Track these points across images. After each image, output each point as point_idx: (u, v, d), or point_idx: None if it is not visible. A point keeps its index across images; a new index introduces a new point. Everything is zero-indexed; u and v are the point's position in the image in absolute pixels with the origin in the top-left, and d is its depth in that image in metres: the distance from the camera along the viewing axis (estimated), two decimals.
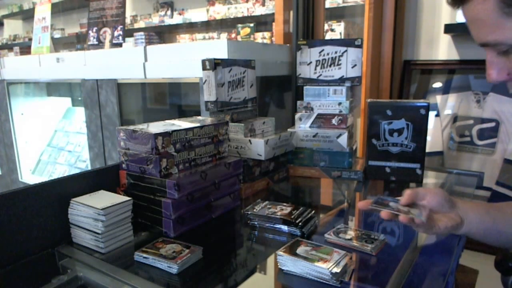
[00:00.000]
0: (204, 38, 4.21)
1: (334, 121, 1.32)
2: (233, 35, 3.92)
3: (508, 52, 0.52)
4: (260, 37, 3.66)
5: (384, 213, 0.72)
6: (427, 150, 1.23)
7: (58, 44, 5.08)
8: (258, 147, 1.15)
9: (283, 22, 1.72)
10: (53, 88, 2.65)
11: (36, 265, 0.81)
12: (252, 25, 3.69)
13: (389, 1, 1.71)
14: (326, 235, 0.83)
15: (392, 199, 0.79)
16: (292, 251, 0.73)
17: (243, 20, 3.77)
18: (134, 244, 0.86)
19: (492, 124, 1.60)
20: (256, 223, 0.93)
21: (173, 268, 0.72)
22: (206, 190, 0.96)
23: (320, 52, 1.33)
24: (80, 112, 2.42)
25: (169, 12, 4.47)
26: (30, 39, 2.76)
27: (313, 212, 0.94)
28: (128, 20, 4.61)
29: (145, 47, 1.63)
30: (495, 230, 0.77)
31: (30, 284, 0.76)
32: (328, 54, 1.32)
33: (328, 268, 0.67)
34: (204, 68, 1.16)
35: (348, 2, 2.82)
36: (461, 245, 0.89)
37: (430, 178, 1.34)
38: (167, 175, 0.89)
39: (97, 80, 1.84)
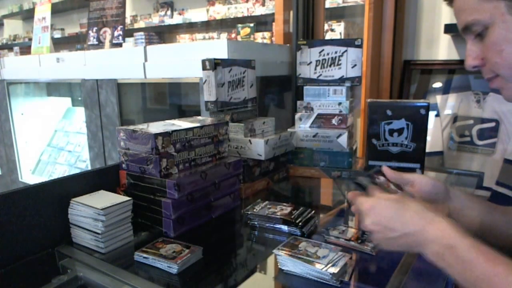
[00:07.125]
0: (204, 38, 4.21)
1: (334, 121, 1.32)
2: (233, 35, 3.92)
3: (482, 35, 0.61)
4: (260, 37, 3.65)
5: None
6: (427, 150, 1.23)
7: (58, 44, 5.07)
8: (258, 147, 1.15)
9: (283, 22, 1.72)
10: (53, 88, 2.64)
11: (36, 265, 0.81)
12: (252, 25, 3.68)
13: (389, 1, 1.71)
14: (325, 235, 0.83)
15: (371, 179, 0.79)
16: (291, 250, 0.72)
17: (243, 20, 3.77)
18: (134, 244, 0.86)
19: (492, 124, 1.60)
20: (256, 223, 0.93)
21: (173, 268, 0.72)
22: (206, 190, 0.96)
23: (320, 52, 1.33)
24: (80, 112, 2.42)
25: (169, 12, 4.47)
26: (30, 39, 2.76)
27: (313, 212, 0.94)
28: (128, 20, 4.61)
29: (145, 47, 1.63)
30: (492, 233, 0.73)
31: (30, 284, 0.76)
32: (328, 54, 1.32)
33: (322, 269, 0.67)
34: (204, 68, 1.16)
35: (348, 2, 2.82)
36: None
37: None
38: (167, 175, 0.89)
39: (97, 80, 1.84)
